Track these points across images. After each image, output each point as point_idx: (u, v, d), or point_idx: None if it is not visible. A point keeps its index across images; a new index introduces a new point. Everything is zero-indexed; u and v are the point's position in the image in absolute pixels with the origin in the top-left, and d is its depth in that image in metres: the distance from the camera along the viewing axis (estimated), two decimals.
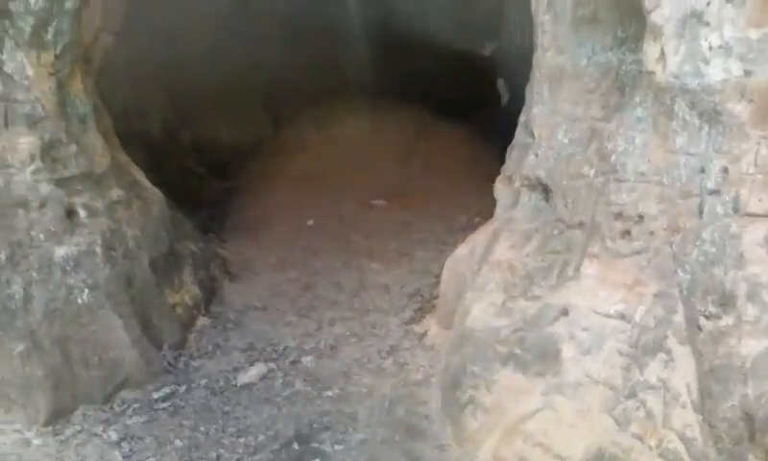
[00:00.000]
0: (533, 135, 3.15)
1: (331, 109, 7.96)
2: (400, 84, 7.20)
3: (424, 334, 3.69)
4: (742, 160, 2.23)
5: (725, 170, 2.27)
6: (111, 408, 3.30)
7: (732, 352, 2.13)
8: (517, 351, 2.75)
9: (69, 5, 3.49)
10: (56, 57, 3.53)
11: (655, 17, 2.40)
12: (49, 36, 3.47)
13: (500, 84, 7.07)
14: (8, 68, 3.36)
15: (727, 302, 2.18)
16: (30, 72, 3.43)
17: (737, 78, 2.21)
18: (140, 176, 4.40)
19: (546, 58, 3.08)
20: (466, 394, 2.83)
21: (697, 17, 2.29)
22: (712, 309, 2.22)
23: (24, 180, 3.36)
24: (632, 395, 2.36)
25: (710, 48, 2.26)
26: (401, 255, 5.11)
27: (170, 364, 3.65)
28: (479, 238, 3.43)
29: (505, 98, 6.87)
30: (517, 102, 3.54)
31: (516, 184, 3.22)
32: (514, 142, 3.46)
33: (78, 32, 3.63)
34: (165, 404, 3.32)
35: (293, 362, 3.61)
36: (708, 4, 2.26)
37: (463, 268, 3.41)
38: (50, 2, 3.41)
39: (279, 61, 7.80)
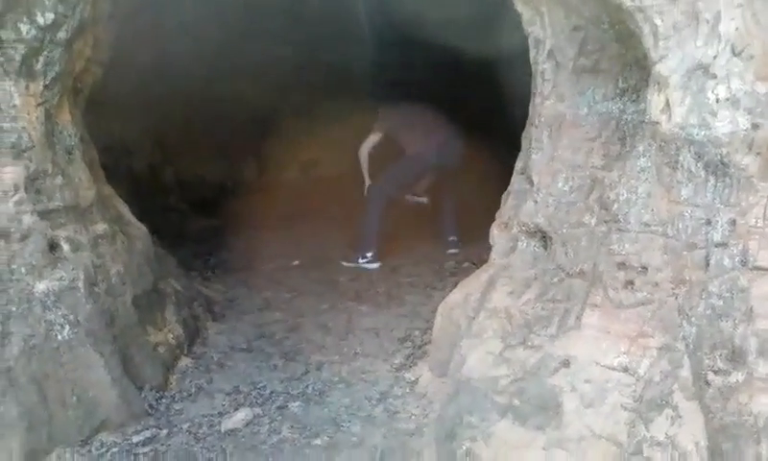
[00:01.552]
0: (531, 182, 3.13)
1: (318, 149, 7.97)
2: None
3: (416, 381, 3.59)
4: (750, 213, 2.21)
5: (732, 223, 2.25)
6: (89, 451, 3.15)
7: (742, 410, 2.08)
8: (516, 402, 2.67)
9: (61, 35, 3.43)
10: (45, 86, 3.45)
11: (660, 68, 2.39)
12: (39, 66, 3.39)
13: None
14: None
15: (736, 357, 2.14)
16: (17, 101, 3.33)
17: (745, 131, 2.20)
18: (125, 210, 4.31)
19: (546, 106, 3.07)
20: (462, 446, 2.73)
21: (703, 69, 2.29)
22: (721, 365, 2.18)
23: (6, 210, 3.24)
24: (637, 451, 2.29)
25: (717, 100, 2.25)
26: (390, 299, 5.04)
27: (151, 406, 3.51)
28: (473, 284, 3.37)
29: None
30: None
31: (514, 231, 3.18)
32: (509, 188, 3.43)
33: (68, 62, 3.56)
34: (145, 449, 3.18)
35: (279, 407, 3.48)
36: (716, 57, 2.26)
37: (457, 315, 3.34)
38: (42, 31, 3.34)
39: (266, 102, 7.82)
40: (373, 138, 6.23)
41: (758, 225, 2.19)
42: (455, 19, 6.29)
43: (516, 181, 3.33)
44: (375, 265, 5.91)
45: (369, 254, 5.94)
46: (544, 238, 3.02)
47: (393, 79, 7.56)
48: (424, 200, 6.55)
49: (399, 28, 6.91)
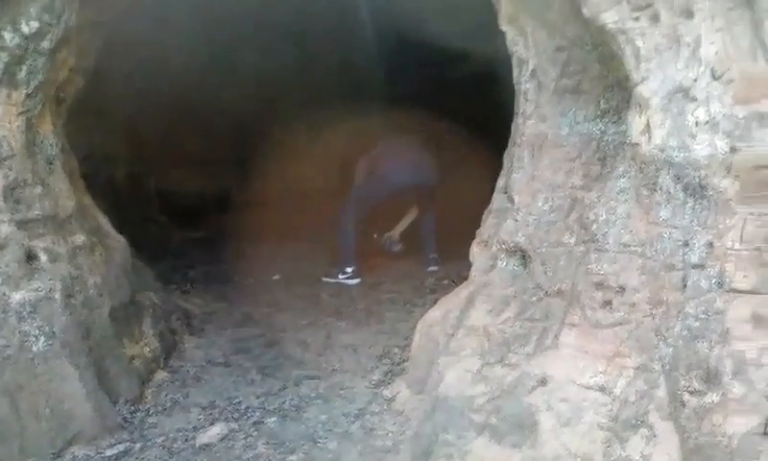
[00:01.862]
0: (512, 201, 3.14)
1: (302, 162, 7.96)
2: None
3: (393, 398, 3.57)
4: (727, 236, 2.22)
5: (710, 244, 2.26)
6: None
7: (716, 430, 2.09)
8: (493, 420, 2.67)
9: (45, 44, 3.41)
10: (27, 95, 3.42)
11: (641, 90, 2.41)
12: (22, 74, 3.37)
13: None
14: None
15: (711, 378, 2.15)
16: None
17: (723, 154, 2.22)
18: (104, 221, 4.27)
19: (528, 125, 3.08)
20: None
21: (684, 92, 2.31)
22: (696, 385, 2.19)
23: None
24: None
25: (697, 123, 2.27)
26: (370, 315, 5.03)
27: (125, 419, 3.47)
28: (453, 302, 3.37)
29: None
30: None
31: (494, 249, 3.18)
32: (490, 207, 3.44)
33: (51, 71, 3.54)
34: None
35: (255, 423, 3.45)
36: (696, 80, 2.28)
37: (436, 332, 3.33)
38: (26, 40, 3.32)
39: (252, 113, 7.82)
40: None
41: (735, 247, 2.21)
42: (452, 33, 6.33)
43: (497, 199, 3.34)
44: (356, 281, 5.90)
45: (348, 270, 5.94)
46: (524, 257, 3.03)
47: (387, 94, 7.62)
48: (400, 246, 6.63)
49: (395, 44, 6.96)
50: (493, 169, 3.53)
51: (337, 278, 5.93)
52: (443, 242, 6.28)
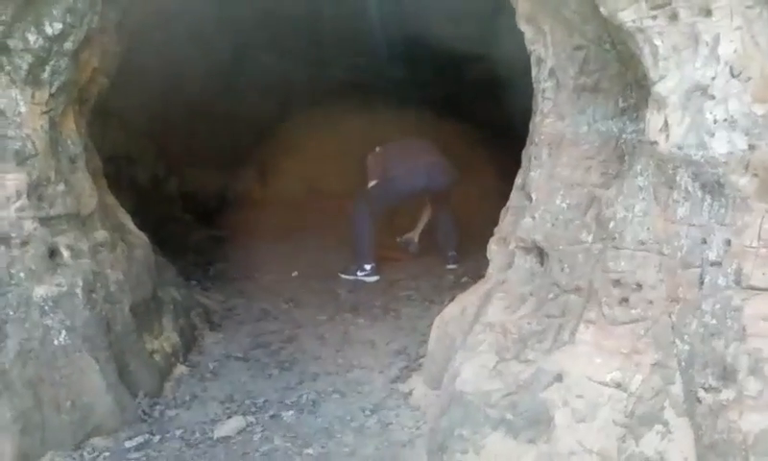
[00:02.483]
0: (530, 198, 3.14)
1: (319, 161, 8.01)
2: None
3: (410, 394, 3.60)
4: (745, 233, 2.22)
5: (727, 242, 2.25)
6: (81, 456, 3.16)
7: (732, 427, 2.08)
8: (509, 415, 2.68)
9: (68, 45, 3.47)
10: (50, 95, 3.48)
11: (659, 88, 2.41)
12: (45, 75, 3.43)
13: None
14: (0, 104, 3.30)
15: (727, 375, 2.15)
16: (23, 109, 3.37)
17: (742, 152, 2.21)
18: (126, 219, 4.34)
19: (546, 123, 3.09)
20: (453, 458, 2.74)
21: (702, 90, 2.30)
22: (712, 382, 2.18)
23: (8, 216, 3.25)
24: None
25: (715, 121, 2.26)
26: (387, 312, 5.07)
27: (145, 412, 3.52)
28: (470, 298, 3.39)
29: None
30: None
31: (511, 246, 3.19)
32: (508, 204, 3.46)
33: (75, 72, 3.60)
34: (138, 454, 3.18)
35: (273, 416, 3.49)
36: (714, 78, 2.27)
37: (453, 328, 3.35)
38: (49, 41, 3.38)
39: (270, 114, 7.87)
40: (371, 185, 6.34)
41: (753, 245, 2.20)
42: (464, 36, 6.34)
43: (515, 197, 3.35)
44: (374, 278, 5.93)
45: (367, 267, 5.97)
46: (541, 254, 3.04)
47: (401, 94, 7.63)
48: (415, 242, 6.65)
49: (409, 45, 6.97)
50: (508, 168, 3.55)
51: (355, 274, 5.96)
52: (461, 240, 6.31)
